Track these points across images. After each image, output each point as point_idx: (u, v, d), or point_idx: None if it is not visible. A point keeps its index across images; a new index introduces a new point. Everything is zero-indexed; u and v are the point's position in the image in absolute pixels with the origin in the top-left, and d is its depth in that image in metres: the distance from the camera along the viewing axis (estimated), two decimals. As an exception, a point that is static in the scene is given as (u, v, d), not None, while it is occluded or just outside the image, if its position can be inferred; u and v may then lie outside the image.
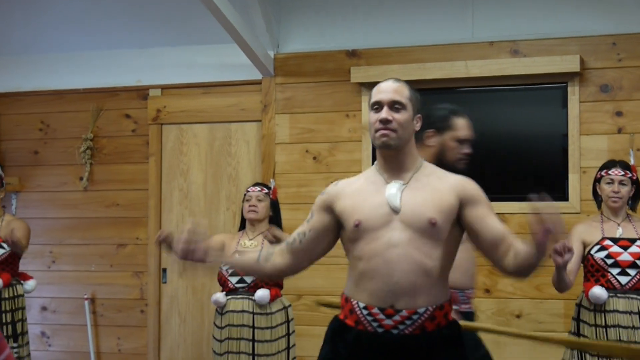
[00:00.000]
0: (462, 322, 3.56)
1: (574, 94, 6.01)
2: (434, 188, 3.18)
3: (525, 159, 6.13)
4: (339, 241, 3.35)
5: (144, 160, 6.96)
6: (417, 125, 3.28)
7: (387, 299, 3.09)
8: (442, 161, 3.87)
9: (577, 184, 5.92)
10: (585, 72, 6.01)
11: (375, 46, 6.46)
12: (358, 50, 6.48)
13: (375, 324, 3.11)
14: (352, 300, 3.18)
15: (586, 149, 5.95)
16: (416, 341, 3.09)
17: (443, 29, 6.35)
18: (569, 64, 5.97)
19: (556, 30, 6.11)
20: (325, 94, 6.55)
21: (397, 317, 3.08)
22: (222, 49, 6.73)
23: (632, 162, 5.07)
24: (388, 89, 3.24)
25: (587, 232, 4.97)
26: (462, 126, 4.03)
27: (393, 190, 3.18)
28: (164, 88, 6.97)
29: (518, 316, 6.03)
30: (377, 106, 3.22)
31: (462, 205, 3.15)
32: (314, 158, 6.51)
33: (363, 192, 3.25)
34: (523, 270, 3.03)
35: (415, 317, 3.08)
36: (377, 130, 3.20)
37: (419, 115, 3.28)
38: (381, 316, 3.10)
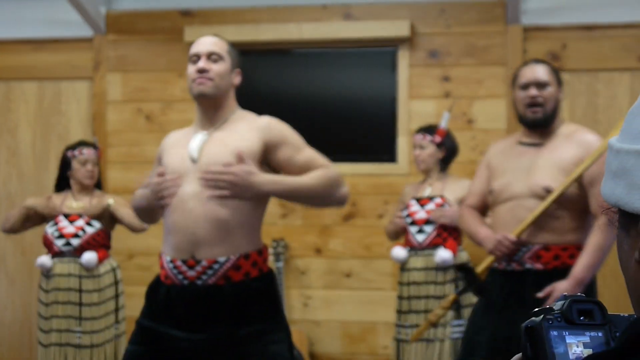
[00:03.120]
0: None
1: (403, 58, 6.14)
2: (237, 133, 3.26)
3: (356, 121, 6.22)
4: None
5: (-31, 118, 6.72)
6: (236, 80, 3.35)
7: (187, 250, 3.17)
8: (520, 118, 3.91)
9: (405, 146, 6.05)
10: (415, 37, 6.13)
11: (210, 6, 6.41)
12: (192, 10, 6.42)
13: (180, 277, 3.18)
14: (162, 255, 3.23)
15: (415, 113, 6.10)
16: (221, 291, 3.16)
17: (277, -9, 6.37)
18: (399, 29, 6.08)
19: (387, -5, 6.22)
20: (158, 53, 6.46)
21: (198, 268, 3.14)
22: (51, 4, 6.51)
23: (442, 125, 5.23)
24: (206, 41, 3.37)
25: (408, 194, 5.19)
26: (522, 72, 3.92)
27: (196, 141, 3.23)
28: (-10, 43, 6.73)
29: (348, 275, 6.14)
30: (195, 57, 3.30)
31: (269, 149, 3.24)
32: (147, 117, 6.43)
33: (176, 144, 3.35)
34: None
35: (216, 266, 3.14)
36: (194, 80, 3.25)
37: (238, 69, 3.34)
38: (184, 268, 3.16)
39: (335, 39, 6.19)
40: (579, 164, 3.74)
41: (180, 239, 3.17)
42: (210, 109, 3.30)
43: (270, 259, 5.88)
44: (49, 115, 6.65)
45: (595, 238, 3.69)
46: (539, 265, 3.79)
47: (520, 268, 3.83)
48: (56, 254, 5.31)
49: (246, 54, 6.30)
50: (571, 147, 3.81)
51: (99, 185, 5.48)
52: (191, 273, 3.15)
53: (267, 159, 3.24)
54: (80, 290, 5.27)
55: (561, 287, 3.67)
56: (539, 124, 3.86)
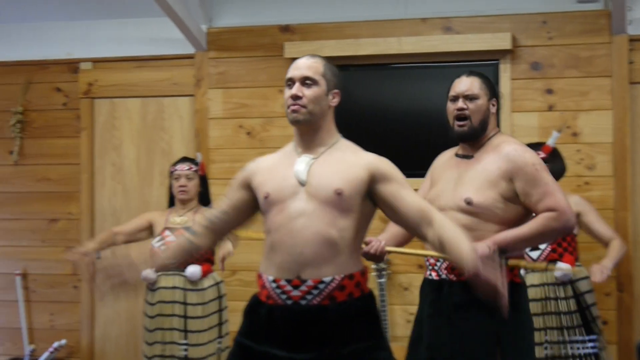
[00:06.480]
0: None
1: (505, 71, 6.06)
2: (345, 161, 3.25)
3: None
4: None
5: (76, 135, 6.86)
6: (334, 101, 3.32)
7: (292, 269, 3.16)
8: (449, 130, 3.94)
9: (508, 160, 5.97)
10: (517, 49, 6.05)
11: (309, 21, 6.44)
12: (292, 25, 6.45)
13: (284, 297, 3.17)
14: (263, 275, 3.23)
15: (518, 126, 6.01)
16: (325, 311, 3.15)
17: (377, 5, 6.34)
18: (500, 41, 6.01)
19: (488, 7, 6.14)
20: (259, 69, 6.51)
21: (303, 288, 3.14)
22: (154, 23, 6.64)
23: (550, 142, 5.14)
24: (301, 65, 3.31)
25: None
26: (453, 85, 3.95)
27: (302, 164, 3.24)
28: (95, 61, 6.85)
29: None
30: (290, 82, 3.29)
31: (374, 181, 3.21)
32: (248, 133, 6.48)
33: (276, 166, 3.34)
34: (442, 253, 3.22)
35: (321, 286, 3.13)
36: (288, 106, 3.26)
37: (337, 90, 3.32)
38: (288, 287, 3.15)
39: (435, 52, 6.15)
40: (502, 175, 3.73)
41: (286, 258, 3.16)
42: (307, 133, 3.30)
43: (373, 275, 5.88)
44: (152, 131, 6.76)
45: (535, 221, 3.69)
46: (452, 277, 3.78)
47: (438, 278, 3.85)
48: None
49: (346, 69, 6.34)
50: (496, 158, 3.78)
51: (205, 201, 5.55)
52: (295, 293, 3.14)
53: (371, 191, 3.23)
54: (185, 303, 5.34)
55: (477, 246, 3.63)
56: (465, 137, 3.88)
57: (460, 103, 3.85)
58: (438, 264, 3.84)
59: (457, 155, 3.98)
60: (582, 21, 5.98)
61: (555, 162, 5.14)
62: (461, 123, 3.85)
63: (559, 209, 3.65)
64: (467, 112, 3.84)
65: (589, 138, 5.92)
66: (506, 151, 3.77)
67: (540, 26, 6.05)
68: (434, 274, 3.87)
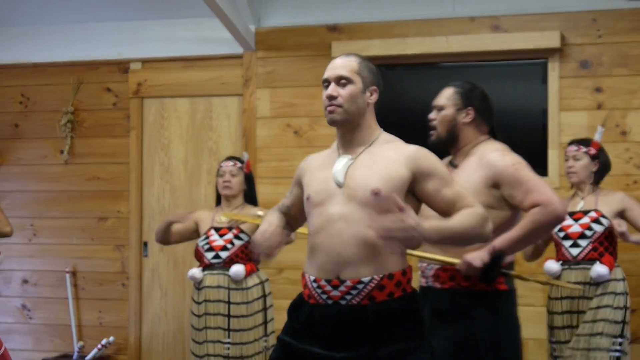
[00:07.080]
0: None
1: (554, 69, 6.03)
2: (385, 159, 3.21)
3: (505, 135, 6.11)
4: None
5: (125, 134, 6.95)
6: (372, 98, 3.29)
7: (332, 270, 3.15)
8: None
9: (556, 159, 5.94)
10: (565, 48, 6.02)
11: (357, 21, 6.46)
12: (339, 25, 6.47)
13: (324, 296, 3.16)
14: (305, 274, 3.24)
15: (566, 125, 5.98)
16: (364, 311, 3.13)
17: (424, 4, 6.35)
18: (549, 39, 5.99)
19: (536, 6, 6.12)
20: (306, 69, 6.54)
21: (342, 288, 3.12)
22: (203, 23, 6.71)
23: (597, 138, 5.11)
24: (336, 65, 3.29)
25: None
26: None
27: (340, 165, 3.23)
28: (145, 62, 6.95)
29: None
30: (326, 83, 3.28)
31: (416, 179, 3.18)
32: (295, 132, 6.51)
33: (320, 167, 3.33)
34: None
35: (360, 286, 3.11)
36: (325, 107, 3.25)
37: (374, 87, 3.30)
38: (328, 287, 3.14)
39: (483, 51, 6.14)
40: (485, 183, 3.75)
41: (325, 259, 3.16)
42: (347, 132, 3.29)
43: (419, 274, 5.85)
44: (201, 131, 6.82)
45: (524, 220, 3.71)
46: (437, 284, 3.82)
47: (426, 284, 3.90)
48: (206, 266, 5.43)
49: (393, 68, 6.35)
50: (478, 166, 3.82)
51: (251, 200, 5.57)
52: (335, 293, 3.14)
53: (414, 188, 3.21)
54: (228, 302, 5.36)
55: (473, 254, 3.65)
56: (434, 145, 3.90)
57: (431, 114, 4.00)
58: (427, 271, 3.89)
59: (450, 163, 4.03)
60: (632, 19, 5.94)
61: (604, 157, 5.11)
62: (431, 132, 3.99)
63: (543, 202, 3.66)
64: (434, 122, 3.98)
65: (638, 137, 5.87)
66: (487, 158, 3.82)
67: (589, 24, 6.01)
68: (423, 280, 3.94)
